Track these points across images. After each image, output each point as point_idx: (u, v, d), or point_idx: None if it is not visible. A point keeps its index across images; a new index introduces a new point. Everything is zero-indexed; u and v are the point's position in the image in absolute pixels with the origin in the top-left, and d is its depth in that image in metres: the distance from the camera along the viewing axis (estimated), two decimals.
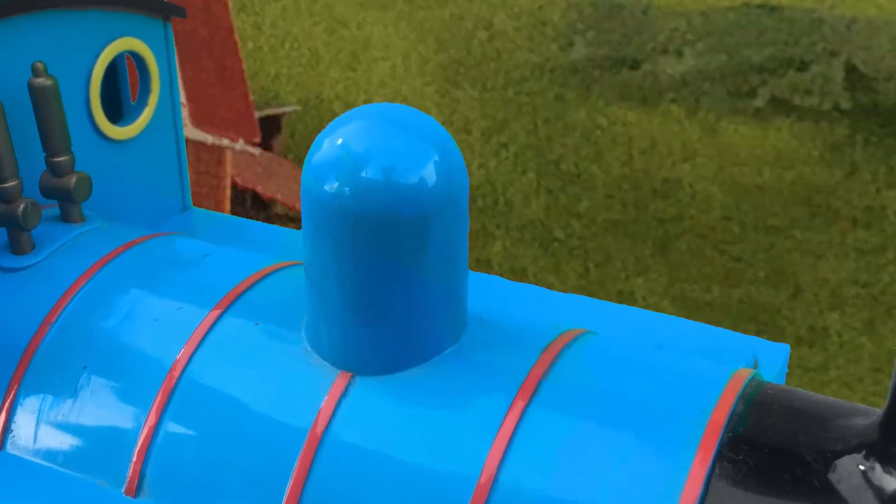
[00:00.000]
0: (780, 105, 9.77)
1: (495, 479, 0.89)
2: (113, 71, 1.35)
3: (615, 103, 9.64)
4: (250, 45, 10.43)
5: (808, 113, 9.63)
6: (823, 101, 9.75)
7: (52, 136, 1.17)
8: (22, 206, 1.13)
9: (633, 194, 8.41)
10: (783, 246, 8.01)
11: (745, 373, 0.95)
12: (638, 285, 7.36)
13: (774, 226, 8.19)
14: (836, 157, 9.10)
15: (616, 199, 8.40)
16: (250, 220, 1.46)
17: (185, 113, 7.16)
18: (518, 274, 7.55)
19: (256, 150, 7.69)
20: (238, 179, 7.54)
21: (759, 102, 9.78)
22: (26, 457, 1.03)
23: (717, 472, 0.85)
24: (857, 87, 9.89)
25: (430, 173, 0.91)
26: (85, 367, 1.05)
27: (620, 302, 2.77)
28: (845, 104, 9.73)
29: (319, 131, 0.95)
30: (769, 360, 1.11)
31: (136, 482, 0.99)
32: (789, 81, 9.90)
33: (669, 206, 8.36)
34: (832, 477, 0.82)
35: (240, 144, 7.37)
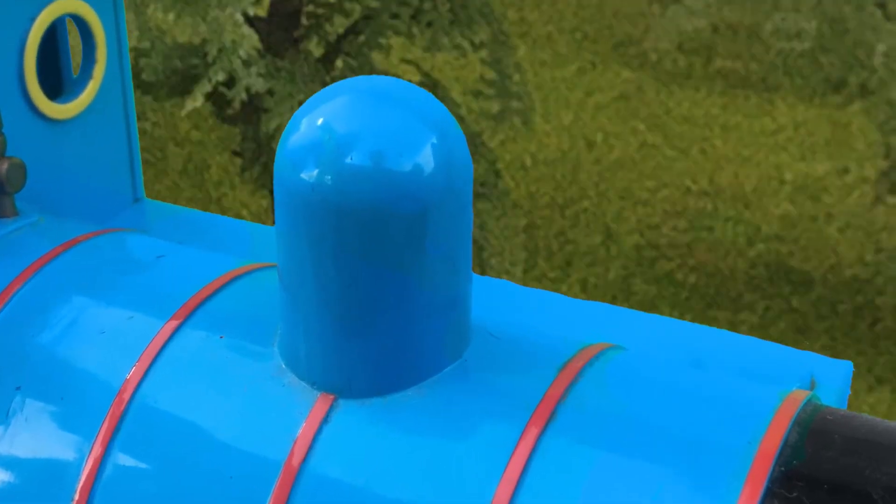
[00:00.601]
0: None
1: None
2: (51, 38, 1.34)
3: None
4: None
5: None
6: None
7: None
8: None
9: None
10: None
11: (800, 395, 0.94)
12: None
13: None
14: None
15: None
16: (214, 215, 1.47)
17: None
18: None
19: None
20: None
21: None
22: None
23: None
24: None
25: (427, 159, 0.91)
26: (18, 389, 1.05)
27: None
28: None
29: None
30: (828, 380, 1.11)
31: None
32: None
33: None
34: None
35: None
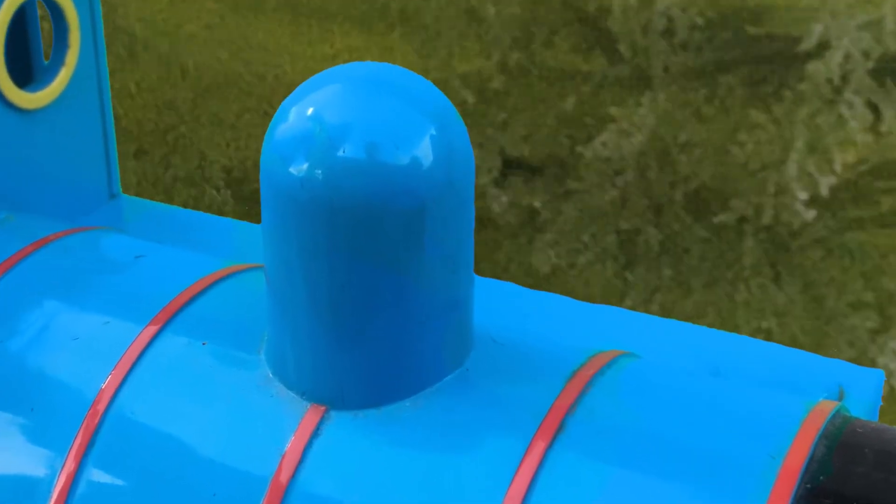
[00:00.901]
0: None
1: None
2: (20, 21, 1.34)
3: None
4: None
5: None
6: None
7: None
8: None
9: None
10: None
11: (828, 406, 0.95)
12: None
13: None
14: None
15: None
16: (196, 212, 1.46)
17: None
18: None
19: None
20: None
21: None
22: None
23: None
24: None
25: (425, 152, 0.91)
26: None
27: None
28: None
29: None
30: (858, 390, 1.11)
31: None
32: None
33: None
34: None
35: None
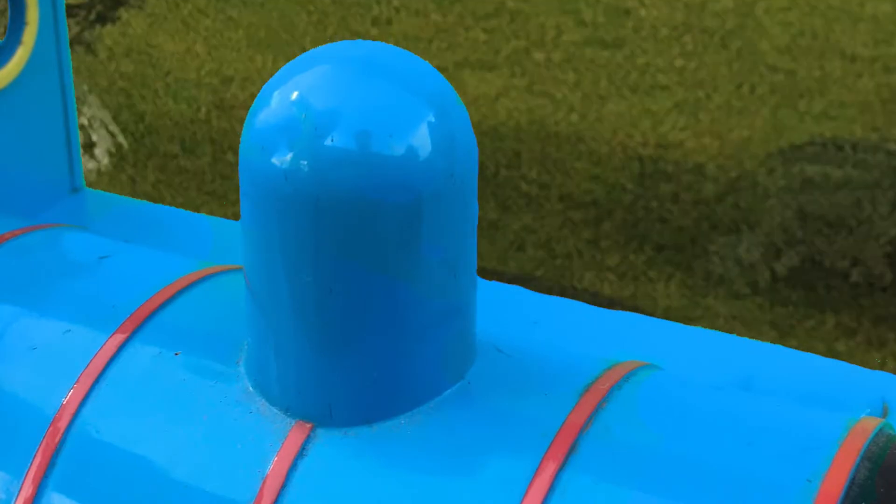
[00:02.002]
0: None
1: None
2: None
3: None
4: None
5: None
6: None
7: None
8: None
9: None
10: None
11: (870, 424, 0.94)
12: None
13: None
14: None
15: None
16: (168, 207, 1.47)
17: None
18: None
19: None
20: None
21: None
22: None
23: None
24: None
25: (422, 141, 0.91)
26: None
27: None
28: None
29: None
30: None
31: None
32: None
33: None
34: None
35: None
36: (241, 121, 4.13)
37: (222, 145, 3.99)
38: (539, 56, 4.18)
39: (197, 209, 1.39)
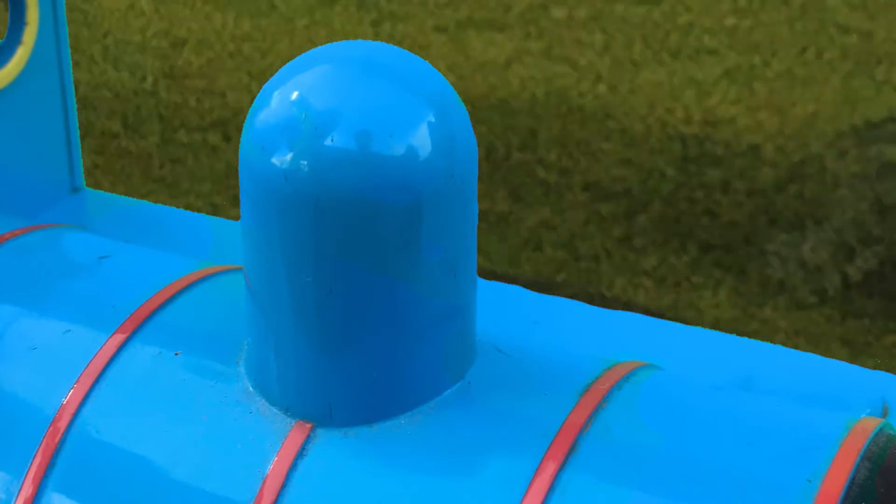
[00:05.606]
0: None
1: None
2: None
3: None
4: None
5: None
6: None
7: None
8: None
9: None
10: None
11: (870, 424, 0.94)
12: None
13: None
14: None
15: None
16: (168, 207, 1.47)
17: None
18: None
19: None
20: None
21: None
22: None
23: None
24: None
25: (422, 141, 0.91)
26: None
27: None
28: None
29: None
30: None
31: None
32: None
33: None
34: None
35: None
36: (196, 92, 3.52)
37: (173, 122, 3.45)
38: (559, 13, 3.73)
39: (142, 199, 1.34)
